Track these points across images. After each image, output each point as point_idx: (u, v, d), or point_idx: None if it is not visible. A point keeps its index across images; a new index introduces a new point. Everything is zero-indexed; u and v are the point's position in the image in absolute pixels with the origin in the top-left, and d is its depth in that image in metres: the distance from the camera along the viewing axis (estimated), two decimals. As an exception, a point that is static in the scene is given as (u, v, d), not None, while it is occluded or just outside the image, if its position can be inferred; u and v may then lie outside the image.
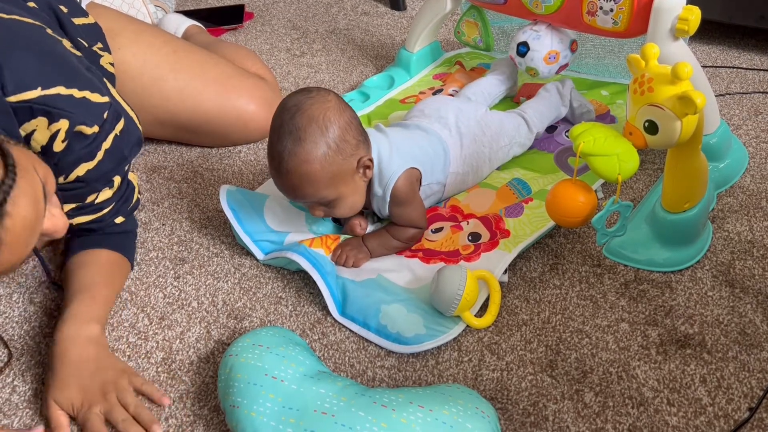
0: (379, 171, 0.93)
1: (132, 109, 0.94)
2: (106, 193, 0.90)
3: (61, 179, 0.83)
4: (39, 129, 0.79)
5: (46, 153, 0.81)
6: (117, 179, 0.91)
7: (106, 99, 0.85)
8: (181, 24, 1.43)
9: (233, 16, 1.64)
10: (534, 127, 1.09)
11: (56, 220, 0.73)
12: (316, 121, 0.85)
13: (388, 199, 0.93)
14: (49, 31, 0.86)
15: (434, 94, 1.26)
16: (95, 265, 0.89)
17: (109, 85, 0.92)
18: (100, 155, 0.85)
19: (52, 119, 0.79)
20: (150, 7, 1.43)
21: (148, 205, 1.10)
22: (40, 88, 0.78)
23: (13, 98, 0.76)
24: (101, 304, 0.86)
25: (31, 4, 0.93)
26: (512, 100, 1.24)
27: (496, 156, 1.06)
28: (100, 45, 1.03)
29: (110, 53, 1.05)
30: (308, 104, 0.86)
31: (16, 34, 0.80)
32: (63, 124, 0.80)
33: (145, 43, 1.12)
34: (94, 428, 0.75)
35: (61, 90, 0.79)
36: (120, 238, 0.95)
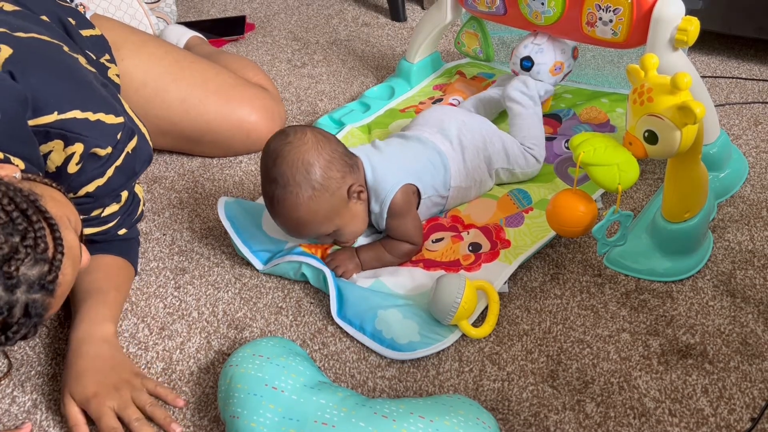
0: (375, 188, 0.93)
1: (143, 124, 0.94)
2: (112, 208, 0.90)
3: (69, 195, 0.84)
4: (55, 150, 0.80)
5: (59, 173, 0.82)
6: (124, 194, 0.91)
7: (120, 119, 0.85)
8: (183, 35, 1.44)
9: (234, 27, 1.65)
10: (541, 157, 1.07)
11: (83, 257, 0.74)
12: (295, 167, 0.86)
13: (386, 215, 0.93)
14: (66, 48, 0.87)
15: (434, 104, 1.26)
16: (101, 271, 0.90)
17: (122, 100, 0.92)
18: (110, 172, 0.85)
19: (67, 142, 0.80)
20: (152, 18, 1.44)
21: (149, 215, 1.10)
22: (56, 113, 0.79)
23: (30, 122, 0.78)
24: (113, 307, 0.87)
25: (44, 17, 0.94)
26: None
27: (498, 174, 1.05)
28: (107, 57, 1.04)
29: (116, 65, 1.06)
30: (286, 150, 0.87)
31: (35, 55, 0.81)
32: (78, 148, 0.81)
33: (147, 54, 1.13)
34: (109, 424, 0.75)
35: (76, 114, 0.80)
36: (123, 245, 0.95)
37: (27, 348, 0.88)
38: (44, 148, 0.80)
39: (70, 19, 0.99)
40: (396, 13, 1.65)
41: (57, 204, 0.71)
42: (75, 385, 0.77)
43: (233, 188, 1.15)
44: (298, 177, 0.86)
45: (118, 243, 0.95)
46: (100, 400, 0.76)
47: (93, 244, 0.92)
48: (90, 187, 0.85)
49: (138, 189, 0.97)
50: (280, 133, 0.90)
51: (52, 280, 0.64)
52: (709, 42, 1.42)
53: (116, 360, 0.81)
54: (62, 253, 0.66)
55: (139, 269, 0.99)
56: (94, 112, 0.82)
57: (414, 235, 0.95)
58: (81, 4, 1.10)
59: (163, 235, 1.06)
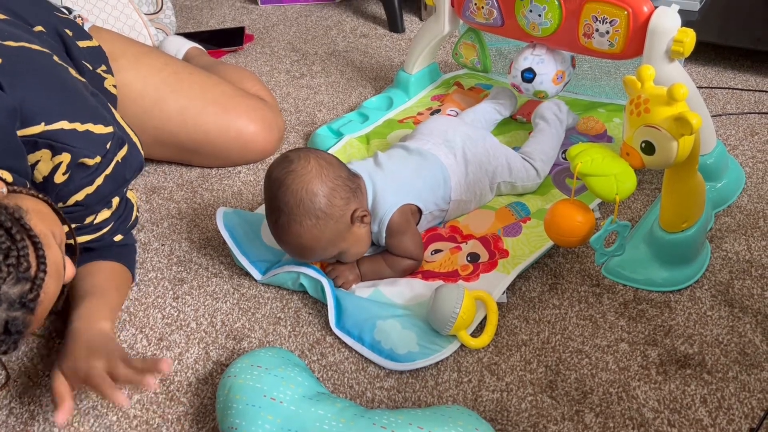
0: (374, 208, 0.93)
1: (135, 133, 0.94)
2: (104, 214, 0.90)
3: (59, 204, 0.84)
4: (43, 160, 0.80)
5: (47, 182, 0.82)
6: (115, 200, 0.91)
7: (109, 129, 0.85)
8: (182, 46, 1.45)
9: (233, 39, 1.65)
10: (543, 173, 1.07)
11: (67, 271, 0.74)
12: (299, 196, 0.86)
13: (384, 234, 0.94)
14: (55, 58, 0.87)
15: (432, 114, 1.27)
16: (100, 274, 0.90)
17: (112, 110, 0.92)
18: (99, 180, 0.86)
19: (55, 152, 0.80)
20: (151, 29, 1.44)
21: (147, 225, 1.10)
22: (43, 124, 0.79)
23: (18, 133, 0.78)
24: (111, 307, 0.87)
25: (39, 29, 0.94)
26: (510, 117, 1.25)
27: (499, 187, 1.06)
28: (103, 67, 1.04)
29: (113, 75, 1.06)
30: (290, 179, 0.86)
31: (24, 64, 0.81)
32: (65, 158, 0.81)
33: (146, 65, 1.13)
34: (99, 374, 0.73)
35: (64, 125, 0.80)
36: (120, 251, 0.96)
37: (25, 359, 0.88)
38: (31, 158, 0.80)
39: (67, 30, 1.00)
40: (394, 25, 1.66)
41: (42, 218, 0.70)
42: (65, 359, 0.77)
43: (232, 198, 1.15)
44: (302, 206, 0.86)
45: (115, 249, 0.95)
46: (90, 362, 0.75)
47: (90, 251, 0.92)
48: (79, 196, 0.85)
49: (130, 195, 0.97)
50: (283, 159, 0.89)
51: (33, 298, 0.64)
52: (705, 53, 1.42)
53: (109, 344, 0.79)
54: (44, 272, 0.66)
55: (137, 279, 0.99)
56: (83, 123, 0.82)
57: (414, 252, 0.95)
58: (79, 16, 1.10)
59: (162, 245, 1.06)
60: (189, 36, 1.58)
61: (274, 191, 0.87)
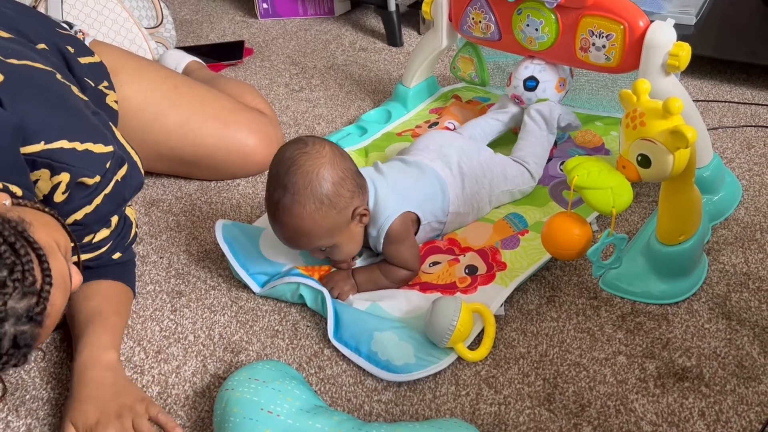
0: (375, 213, 0.93)
1: (136, 152, 0.95)
2: (103, 233, 0.90)
3: None
4: (42, 179, 0.80)
5: (46, 201, 0.82)
6: (114, 219, 0.91)
7: (110, 148, 0.85)
8: (182, 60, 1.45)
9: (233, 52, 1.66)
10: (537, 175, 1.08)
11: (74, 280, 0.74)
12: (309, 178, 0.85)
13: (383, 240, 0.94)
14: (58, 76, 0.88)
15: (430, 127, 1.27)
16: (101, 296, 0.90)
17: (113, 128, 0.93)
18: (98, 200, 0.85)
19: (54, 172, 0.80)
20: (151, 43, 1.45)
21: (146, 238, 1.10)
22: (43, 143, 0.79)
23: None
24: (114, 332, 0.87)
25: (41, 46, 0.95)
26: (512, 131, 1.25)
27: (497, 198, 1.06)
28: (105, 83, 1.05)
29: (115, 91, 1.07)
30: (303, 160, 0.86)
31: (26, 82, 0.82)
32: (64, 177, 0.81)
33: (146, 79, 1.14)
34: None
35: (63, 144, 0.81)
36: (119, 268, 0.95)
37: (22, 372, 0.88)
38: (31, 177, 0.80)
39: (69, 47, 1.00)
40: (393, 39, 1.67)
41: (46, 229, 0.70)
42: (77, 413, 0.77)
43: (231, 211, 1.16)
44: (310, 188, 0.85)
45: (114, 267, 0.95)
46: (100, 427, 0.76)
47: (89, 270, 0.92)
48: (78, 215, 0.85)
49: (129, 212, 0.97)
50: (297, 141, 0.88)
51: (41, 311, 0.64)
52: (701, 66, 1.43)
53: (119, 386, 0.80)
54: (50, 284, 0.65)
55: (136, 292, 0.99)
56: (82, 142, 0.82)
57: (411, 262, 0.95)
58: (80, 31, 1.11)
59: (160, 258, 1.06)
60: (189, 50, 1.59)
61: (284, 170, 0.86)
